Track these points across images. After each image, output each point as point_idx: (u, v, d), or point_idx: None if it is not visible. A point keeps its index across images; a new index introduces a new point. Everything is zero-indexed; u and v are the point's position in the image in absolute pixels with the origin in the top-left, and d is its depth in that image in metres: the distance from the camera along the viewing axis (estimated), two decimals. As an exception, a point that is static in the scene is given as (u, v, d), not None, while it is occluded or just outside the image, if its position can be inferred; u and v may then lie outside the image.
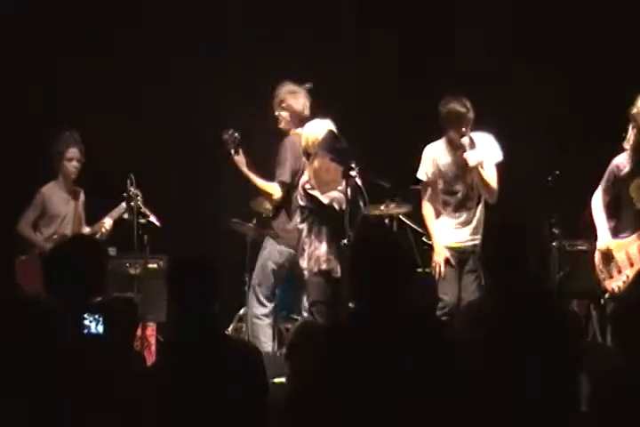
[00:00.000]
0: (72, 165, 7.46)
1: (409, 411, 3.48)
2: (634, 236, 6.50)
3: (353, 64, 8.69)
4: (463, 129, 6.87)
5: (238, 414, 3.81)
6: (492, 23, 8.45)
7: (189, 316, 3.91)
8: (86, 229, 7.52)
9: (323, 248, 6.88)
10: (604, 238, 6.57)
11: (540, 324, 4.03)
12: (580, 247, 7.16)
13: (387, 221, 8.07)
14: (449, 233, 7.03)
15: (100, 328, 3.64)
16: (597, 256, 6.58)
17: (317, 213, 6.89)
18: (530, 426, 3.91)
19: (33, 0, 8.53)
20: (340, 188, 6.82)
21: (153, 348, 7.79)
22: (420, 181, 7.15)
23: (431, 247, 7.19)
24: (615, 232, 6.58)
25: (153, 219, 7.41)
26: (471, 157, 6.86)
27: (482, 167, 6.88)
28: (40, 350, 3.71)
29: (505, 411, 3.75)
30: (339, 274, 6.89)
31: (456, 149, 6.98)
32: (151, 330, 7.81)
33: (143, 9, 8.64)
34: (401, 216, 8.12)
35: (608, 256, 6.55)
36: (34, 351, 3.71)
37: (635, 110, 6.41)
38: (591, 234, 6.70)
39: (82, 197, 7.63)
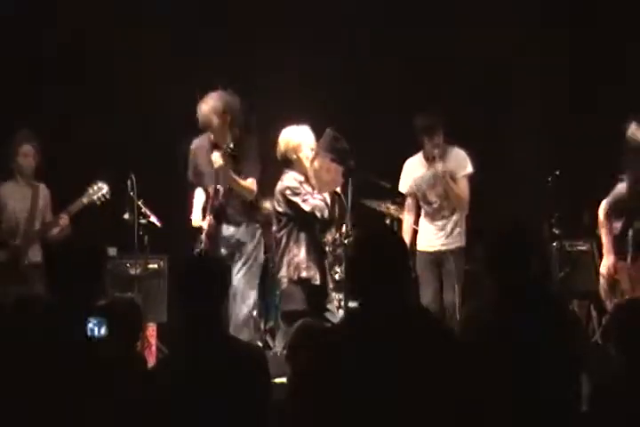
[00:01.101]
0: (27, 161, 7.33)
1: (409, 411, 3.48)
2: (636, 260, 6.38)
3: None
4: (434, 140, 7.24)
5: (241, 414, 3.81)
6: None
7: (194, 317, 3.91)
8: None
9: (302, 255, 6.87)
10: (609, 259, 6.38)
11: (541, 324, 4.03)
12: (579, 247, 7.17)
13: (387, 220, 8.08)
14: (425, 238, 7.42)
15: (104, 331, 3.64)
16: (601, 282, 6.45)
17: (296, 220, 6.90)
18: (530, 426, 3.91)
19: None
20: (318, 196, 6.83)
21: (153, 348, 7.79)
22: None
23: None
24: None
25: (153, 219, 7.40)
26: (439, 167, 7.24)
27: (451, 178, 7.25)
28: (42, 349, 3.71)
29: (505, 411, 3.75)
30: (318, 281, 6.90)
31: (430, 161, 7.35)
32: (151, 330, 7.80)
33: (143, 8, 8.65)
34: (401, 216, 8.12)
35: (612, 280, 6.40)
36: (36, 351, 3.72)
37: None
38: (591, 234, 6.70)
39: (43, 192, 7.37)
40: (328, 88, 8.41)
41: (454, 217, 7.30)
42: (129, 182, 7.23)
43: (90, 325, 3.63)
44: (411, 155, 7.52)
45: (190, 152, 7.23)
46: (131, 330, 3.74)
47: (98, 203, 7.25)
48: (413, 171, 7.47)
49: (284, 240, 6.94)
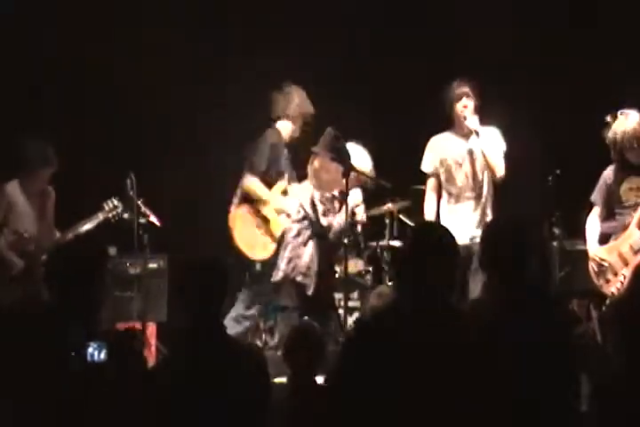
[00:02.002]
0: (44, 181, 7.20)
1: (414, 412, 3.49)
2: (623, 236, 6.57)
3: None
4: (465, 103, 7.02)
5: (241, 414, 3.81)
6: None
7: (194, 317, 3.91)
8: (56, 235, 7.30)
9: (305, 258, 6.87)
10: (592, 248, 6.71)
11: (540, 324, 4.03)
12: (580, 247, 7.15)
13: (387, 220, 8.08)
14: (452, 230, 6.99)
15: (103, 356, 3.63)
16: (590, 266, 6.67)
17: (313, 226, 6.91)
18: (530, 426, 3.91)
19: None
20: (340, 220, 6.81)
21: (153, 348, 7.79)
22: (423, 173, 7.23)
23: None
24: (612, 235, 6.67)
25: (153, 219, 7.39)
26: (471, 123, 7.00)
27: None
28: (42, 352, 3.71)
29: (505, 411, 3.75)
30: (310, 291, 6.89)
31: (461, 135, 7.11)
32: (151, 330, 7.80)
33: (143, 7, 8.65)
34: (401, 216, 8.12)
35: (599, 263, 6.63)
36: (35, 355, 3.72)
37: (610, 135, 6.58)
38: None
39: (51, 196, 7.26)
40: (328, 88, 8.39)
41: (482, 199, 7.08)
42: (128, 182, 7.22)
43: (90, 349, 3.63)
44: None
45: (268, 144, 7.25)
46: (131, 359, 3.74)
47: (112, 221, 7.23)
48: (440, 147, 7.20)
49: (292, 233, 6.93)
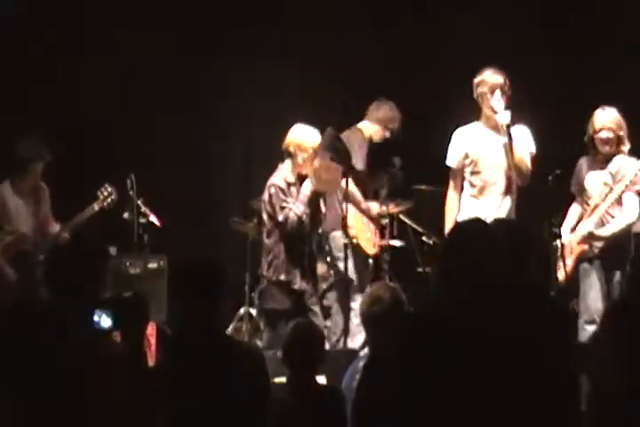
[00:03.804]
0: (37, 175, 7.23)
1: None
2: (578, 227, 6.75)
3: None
4: (498, 95, 6.66)
5: (240, 414, 3.81)
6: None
7: (193, 317, 3.91)
8: (55, 228, 7.34)
9: (282, 256, 6.87)
10: (565, 234, 6.83)
11: (540, 324, 4.03)
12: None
13: (387, 220, 8.07)
14: None
15: (110, 322, 3.65)
16: (565, 250, 6.75)
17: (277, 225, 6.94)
18: (530, 426, 3.91)
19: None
20: (298, 207, 6.81)
21: (153, 347, 7.78)
22: (449, 168, 6.92)
23: (430, 247, 7.19)
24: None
25: (153, 219, 7.40)
26: (502, 117, 6.62)
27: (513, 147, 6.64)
28: (41, 348, 3.71)
29: (504, 411, 3.75)
30: (297, 285, 6.89)
31: (490, 127, 6.77)
32: (151, 329, 7.79)
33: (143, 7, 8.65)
34: (401, 216, 8.12)
35: (570, 249, 6.77)
36: (35, 350, 3.72)
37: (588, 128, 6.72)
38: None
39: (44, 192, 7.33)
40: (328, 88, 8.40)
41: (509, 196, 6.74)
42: (128, 182, 7.23)
43: (95, 317, 3.64)
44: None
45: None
46: (137, 324, 3.74)
47: (107, 208, 7.27)
48: (467, 140, 6.82)
49: (265, 237, 6.95)
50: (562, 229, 6.84)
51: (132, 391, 3.72)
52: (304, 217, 6.84)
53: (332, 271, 7.53)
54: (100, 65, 8.46)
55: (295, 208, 6.83)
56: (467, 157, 6.80)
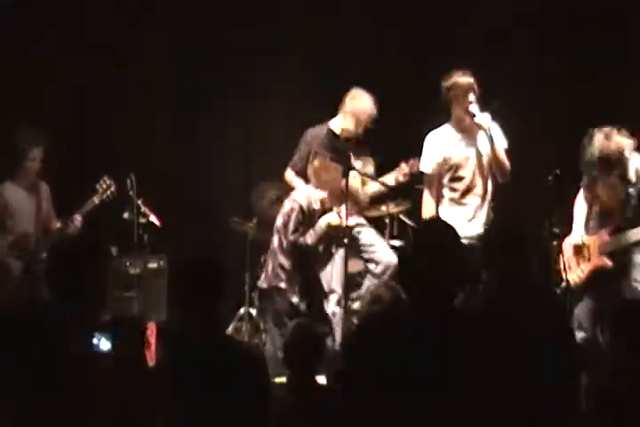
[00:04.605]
0: (34, 165, 7.27)
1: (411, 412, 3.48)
2: (598, 233, 6.56)
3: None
4: (470, 99, 6.71)
5: (240, 414, 3.81)
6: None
7: (193, 317, 3.91)
8: (57, 225, 7.37)
9: (287, 266, 6.86)
10: (580, 233, 6.63)
11: (540, 323, 4.03)
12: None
13: (387, 220, 8.07)
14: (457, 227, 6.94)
15: (107, 345, 3.64)
16: (569, 248, 6.62)
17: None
18: (530, 426, 3.91)
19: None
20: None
21: (153, 348, 7.78)
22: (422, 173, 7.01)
23: None
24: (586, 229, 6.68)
25: (153, 219, 7.40)
26: (483, 121, 6.71)
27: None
28: (42, 352, 3.72)
29: (504, 410, 3.75)
30: (294, 299, 6.88)
31: (463, 130, 6.84)
32: (151, 330, 7.79)
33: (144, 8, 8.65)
34: (401, 216, 8.12)
35: (580, 250, 6.60)
36: (36, 355, 3.72)
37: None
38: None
39: (44, 190, 7.36)
40: (328, 87, 8.40)
41: (486, 202, 6.85)
42: (128, 182, 7.23)
43: (95, 340, 3.63)
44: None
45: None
46: (134, 347, 3.74)
47: (106, 200, 7.29)
48: (441, 144, 6.87)
49: (276, 241, 6.93)
50: (574, 227, 6.68)
51: (132, 391, 3.73)
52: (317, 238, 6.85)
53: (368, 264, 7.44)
54: (100, 65, 8.45)
55: (308, 237, 6.86)
56: (445, 162, 6.84)
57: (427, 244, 3.66)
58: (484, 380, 3.61)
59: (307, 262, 6.97)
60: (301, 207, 6.87)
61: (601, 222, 6.58)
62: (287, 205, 6.93)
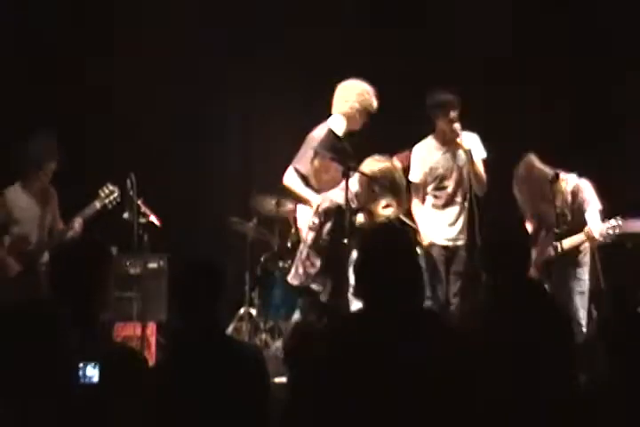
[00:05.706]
0: (48, 176, 7.24)
1: (408, 411, 3.48)
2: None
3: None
4: (452, 115, 7.10)
5: (241, 414, 3.82)
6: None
7: (193, 317, 3.92)
8: (60, 227, 7.34)
9: (318, 266, 6.81)
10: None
11: (540, 324, 4.04)
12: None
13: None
14: (438, 231, 7.25)
15: (96, 377, 3.60)
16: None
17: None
18: (529, 425, 3.91)
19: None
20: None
21: (153, 348, 7.79)
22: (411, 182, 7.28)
23: None
24: None
25: (153, 219, 7.40)
26: (466, 142, 7.12)
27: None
28: (42, 352, 3.71)
29: (504, 410, 3.75)
30: (324, 298, 6.83)
31: (446, 143, 7.23)
32: (151, 330, 7.80)
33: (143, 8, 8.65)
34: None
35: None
36: (36, 354, 3.72)
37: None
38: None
39: (52, 195, 7.33)
40: (328, 87, 8.40)
41: (466, 205, 7.18)
42: (128, 182, 7.23)
43: (82, 371, 3.60)
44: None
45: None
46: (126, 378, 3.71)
47: (109, 207, 7.27)
48: (426, 156, 7.32)
49: (309, 241, 6.82)
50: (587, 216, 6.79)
51: (132, 391, 3.73)
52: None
53: None
54: (100, 65, 8.45)
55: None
56: (431, 173, 7.27)
57: (378, 248, 3.65)
58: (482, 380, 3.61)
59: (340, 262, 6.91)
60: (339, 206, 6.81)
61: None
62: (324, 204, 6.80)
